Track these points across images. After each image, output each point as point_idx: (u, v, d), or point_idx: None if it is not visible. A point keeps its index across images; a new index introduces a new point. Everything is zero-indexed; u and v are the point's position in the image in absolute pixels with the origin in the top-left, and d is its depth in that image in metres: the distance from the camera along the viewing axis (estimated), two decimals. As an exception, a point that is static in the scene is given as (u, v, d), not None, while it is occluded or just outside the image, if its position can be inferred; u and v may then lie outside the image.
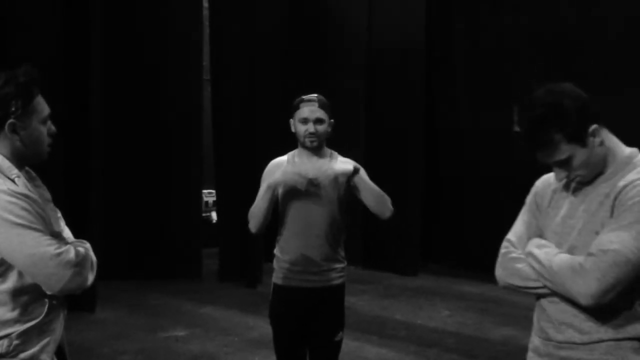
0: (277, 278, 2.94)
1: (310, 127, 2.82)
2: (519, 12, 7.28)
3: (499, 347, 4.85)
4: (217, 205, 7.71)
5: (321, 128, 2.84)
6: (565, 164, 1.76)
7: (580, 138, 1.72)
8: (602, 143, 1.75)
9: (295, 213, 2.85)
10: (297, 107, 2.88)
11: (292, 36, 7.93)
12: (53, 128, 1.94)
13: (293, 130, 2.91)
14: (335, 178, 2.86)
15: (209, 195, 8.89)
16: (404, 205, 7.45)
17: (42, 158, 1.93)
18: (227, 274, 7.01)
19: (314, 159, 2.89)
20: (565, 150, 1.73)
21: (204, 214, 8.34)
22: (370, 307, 6.01)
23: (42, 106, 1.89)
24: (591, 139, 1.73)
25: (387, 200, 2.84)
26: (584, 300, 1.66)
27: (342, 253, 2.94)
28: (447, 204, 7.97)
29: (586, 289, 1.64)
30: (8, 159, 1.83)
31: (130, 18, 6.93)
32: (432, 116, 7.92)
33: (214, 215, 8.78)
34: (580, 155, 1.73)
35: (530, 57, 6.99)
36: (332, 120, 2.90)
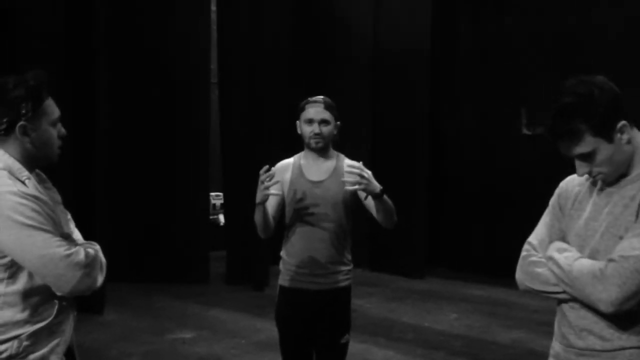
0: (283, 280, 2.94)
1: (316, 128, 2.82)
2: (522, 14, 7.29)
3: (507, 350, 4.83)
4: (225, 207, 7.72)
5: (326, 129, 2.84)
6: (588, 158, 1.70)
7: (606, 132, 1.67)
8: (629, 141, 1.69)
9: (301, 215, 2.85)
10: (303, 109, 2.89)
11: (298, 39, 7.94)
12: (63, 130, 1.95)
13: (299, 131, 2.91)
14: (341, 181, 2.82)
15: (216, 198, 8.90)
16: (411, 208, 7.45)
17: (53, 160, 1.95)
18: (234, 276, 7.02)
19: (320, 160, 2.90)
20: (589, 143, 1.67)
21: (211, 217, 8.36)
22: (377, 310, 6.00)
23: (52, 109, 1.91)
24: (618, 135, 1.68)
25: (395, 214, 2.83)
26: (604, 307, 1.63)
27: (349, 255, 2.93)
28: (453, 206, 7.96)
29: (606, 295, 1.61)
30: (19, 161, 1.85)
31: (137, 21, 6.96)
32: (437, 118, 7.92)
33: (221, 217, 8.78)
34: (604, 150, 1.68)
35: (534, 59, 6.99)
36: (338, 123, 2.90)
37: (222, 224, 8.58)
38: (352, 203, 2.88)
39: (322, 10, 7.99)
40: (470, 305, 6.18)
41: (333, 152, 2.95)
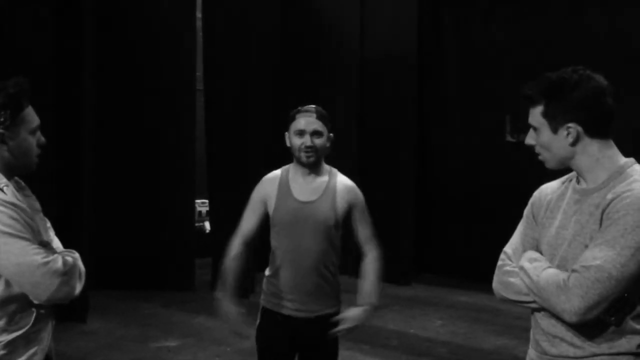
0: (266, 302, 2.71)
1: (307, 140, 2.54)
2: (508, 22, 7.36)
3: (492, 357, 4.85)
4: (210, 215, 7.69)
5: (319, 142, 2.57)
6: (535, 133, 1.78)
7: (553, 121, 1.72)
8: (573, 145, 1.72)
9: (288, 239, 2.60)
10: (293, 118, 2.62)
11: (284, 46, 7.95)
12: (43, 139, 1.94)
13: (288, 144, 2.64)
14: (334, 199, 2.60)
15: (202, 205, 8.86)
16: (397, 214, 7.48)
17: (31, 169, 1.94)
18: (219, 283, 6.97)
19: (310, 177, 2.62)
20: (537, 120, 1.75)
21: (197, 224, 8.31)
22: (363, 317, 5.98)
23: (32, 117, 1.89)
24: (565, 132, 1.71)
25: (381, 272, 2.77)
26: (568, 317, 1.64)
27: (337, 278, 2.73)
28: (440, 213, 7.99)
29: (569, 306, 1.62)
30: None
31: (122, 27, 6.93)
32: (424, 126, 7.96)
33: (207, 225, 8.75)
34: (545, 135, 1.75)
35: (520, 66, 7.05)
36: (331, 135, 2.65)
37: (207, 231, 8.54)
38: (344, 221, 2.67)
39: (308, 18, 8.01)
40: (455, 311, 6.20)
41: (325, 167, 2.67)
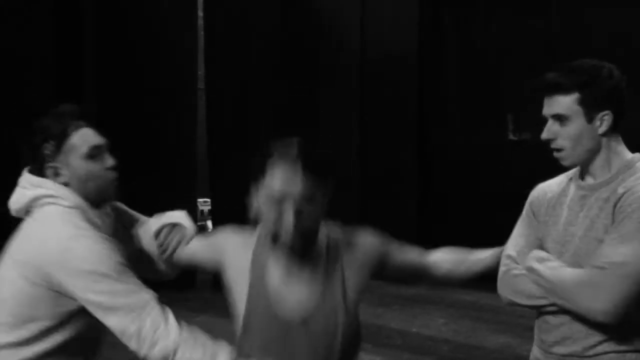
0: None
1: (288, 217, 1.45)
2: (509, 21, 7.36)
3: (494, 355, 4.85)
4: (212, 214, 7.69)
5: (310, 212, 1.47)
6: (559, 124, 1.69)
7: (589, 108, 1.66)
8: (604, 135, 1.68)
9: None
10: (260, 169, 1.50)
11: (285, 46, 7.95)
12: (110, 161, 1.81)
13: (253, 210, 1.55)
14: (343, 289, 1.65)
15: (204, 204, 8.87)
16: (398, 214, 7.50)
17: (106, 193, 1.82)
18: (221, 282, 6.98)
19: (296, 267, 1.59)
20: (569, 108, 1.67)
21: (199, 223, 8.32)
22: (364, 316, 5.90)
23: (81, 141, 1.79)
24: (598, 122, 1.67)
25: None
26: (598, 317, 1.60)
27: None
28: (441, 211, 7.99)
29: (599, 304, 1.58)
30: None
31: (123, 27, 6.92)
32: (424, 127, 7.96)
33: (209, 224, 8.76)
34: (577, 124, 1.68)
35: (521, 65, 7.05)
36: (331, 182, 1.55)
37: (210, 230, 8.55)
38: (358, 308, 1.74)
39: (308, 18, 8.01)
40: (457, 310, 6.20)
41: (321, 238, 1.60)
